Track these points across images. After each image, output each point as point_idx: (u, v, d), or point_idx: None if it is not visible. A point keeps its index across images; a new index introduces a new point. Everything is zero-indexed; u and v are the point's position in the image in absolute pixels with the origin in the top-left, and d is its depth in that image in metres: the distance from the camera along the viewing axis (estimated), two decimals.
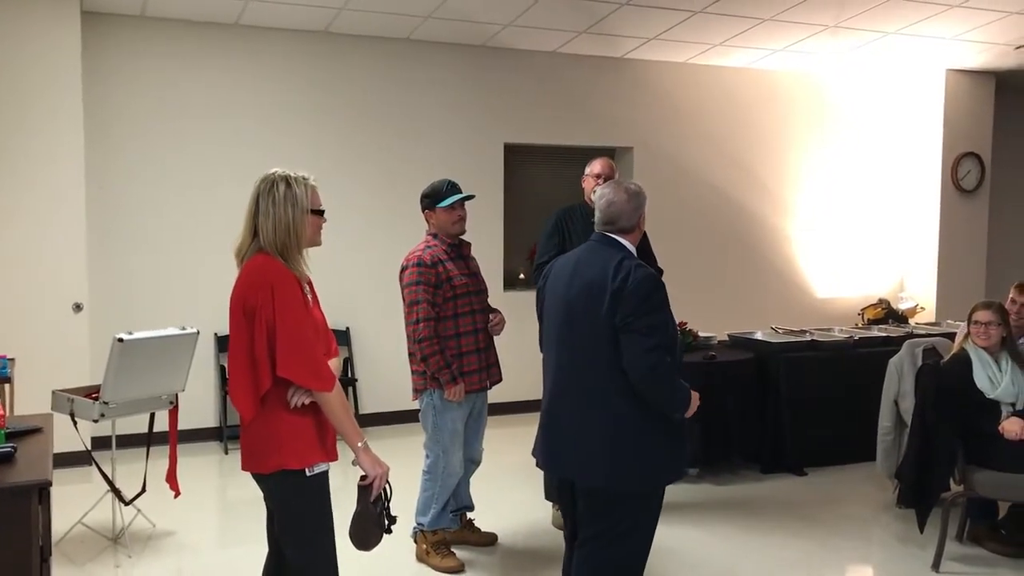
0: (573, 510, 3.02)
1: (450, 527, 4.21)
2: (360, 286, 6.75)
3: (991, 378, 4.15)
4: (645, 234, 4.79)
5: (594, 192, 4.58)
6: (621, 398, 2.78)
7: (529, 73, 7.27)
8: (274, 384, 2.53)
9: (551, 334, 3.02)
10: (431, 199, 4.09)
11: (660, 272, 4.76)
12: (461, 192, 4.10)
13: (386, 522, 2.70)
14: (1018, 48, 7.12)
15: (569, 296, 2.91)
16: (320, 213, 2.68)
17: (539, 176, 7.65)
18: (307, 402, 2.56)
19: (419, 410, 4.14)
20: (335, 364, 2.68)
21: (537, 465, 3.10)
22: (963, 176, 8.14)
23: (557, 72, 7.35)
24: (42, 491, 2.55)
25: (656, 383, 2.75)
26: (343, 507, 2.72)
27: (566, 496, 3.04)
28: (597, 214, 2.99)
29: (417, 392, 4.09)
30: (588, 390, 2.85)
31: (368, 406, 6.79)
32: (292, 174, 2.62)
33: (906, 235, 8.46)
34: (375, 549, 2.74)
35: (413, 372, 4.08)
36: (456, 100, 7.07)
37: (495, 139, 7.21)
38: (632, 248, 2.95)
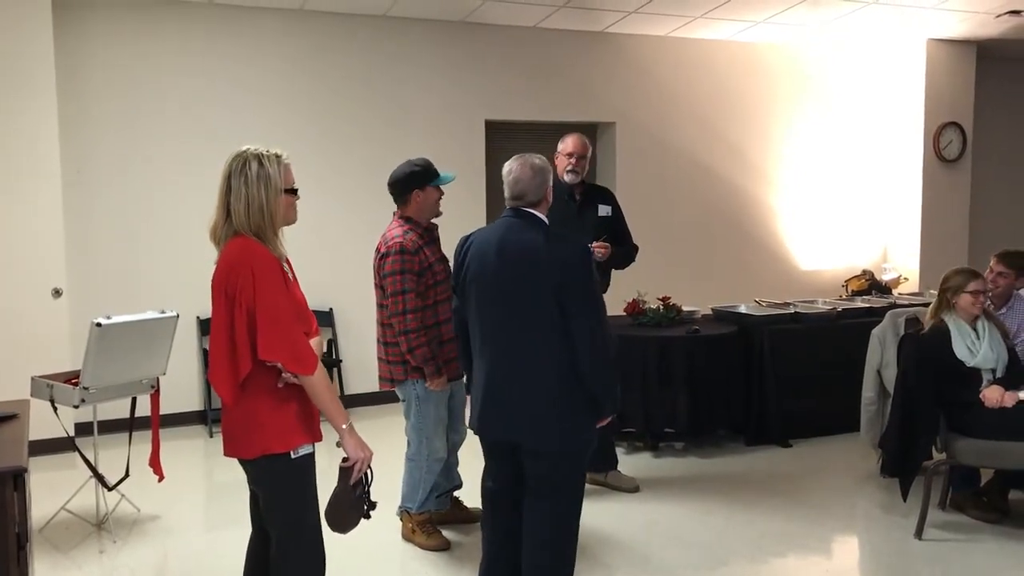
0: (508, 471, 3.19)
1: (440, 509, 4.21)
2: (343, 267, 6.70)
3: (970, 347, 4.17)
4: (619, 209, 4.80)
5: (566, 171, 4.62)
6: (559, 365, 2.96)
7: (509, 49, 7.21)
8: (255, 367, 2.50)
9: (481, 309, 3.14)
10: (424, 177, 3.94)
11: (635, 249, 4.79)
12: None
13: (365, 506, 2.68)
14: (999, 17, 7.09)
15: (499, 272, 3.05)
16: (294, 192, 2.64)
17: (521, 153, 7.57)
18: (293, 380, 2.53)
19: (397, 395, 4.10)
20: (316, 343, 2.65)
21: (476, 432, 3.25)
22: (945, 146, 8.15)
23: (537, 47, 7.29)
24: (17, 478, 2.52)
25: (605, 368, 2.97)
26: (326, 489, 2.70)
27: (503, 459, 3.20)
28: (506, 189, 3.16)
29: (393, 382, 4.02)
30: (528, 360, 3.01)
31: (353, 387, 6.78)
32: (264, 152, 2.57)
33: (889, 206, 8.47)
34: (360, 530, 2.73)
35: (390, 362, 4.01)
36: (435, 78, 7.00)
37: (476, 116, 7.16)
38: (546, 220, 3.14)
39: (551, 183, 3.18)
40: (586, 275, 2.98)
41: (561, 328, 2.94)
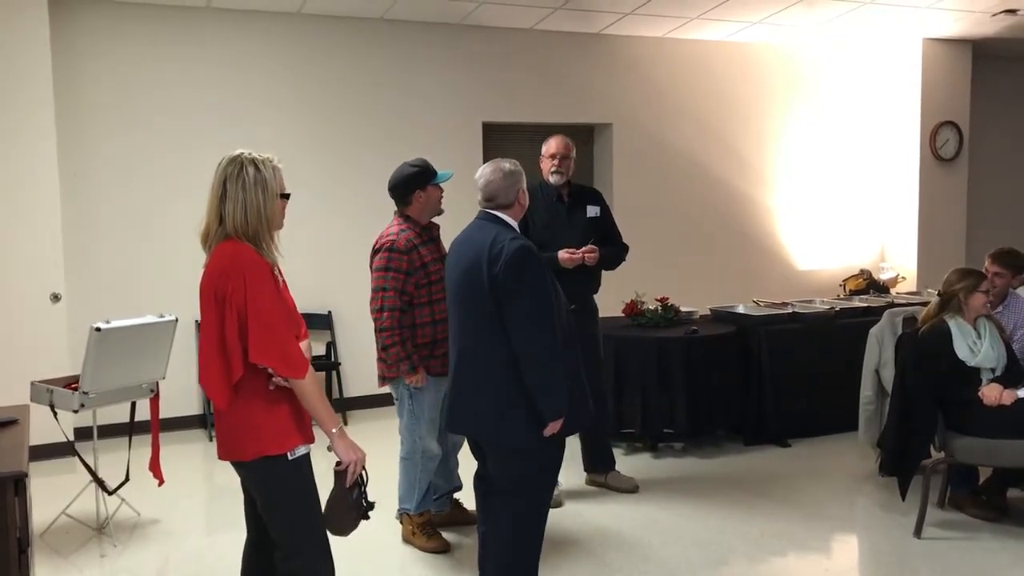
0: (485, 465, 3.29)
1: (441, 511, 4.22)
2: (341, 269, 6.70)
3: (971, 347, 4.17)
4: (608, 210, 4.82)
5: (551, 172, 4.64)
6: (503, 363, 3.00)
7: (506, 51, 7.22)
8: (247, 371, 2.50)
9: (448, 309, 3.31)
10: (424, 177, 3.97)
11: (625, 248, 4.80)
12: None
13: (364, 507, 2.69)
14: (994, 16, 7.11)
15: (458, 272, 3.17)
16: (286, 197, 2.64)
17: (519, 155, 7.39)
18: (283, 384, 2.54)
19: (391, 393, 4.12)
20: (305, 347, 2.66)
21: (446, 428, 3.40)
22: (942, 145, 8.16)
23: (534, 49, 7.31)
24: (18, 483, 2.53)
25: (538, 369, 2.97)
26: (323, 495, 2.70)
27: (479, 454, 3.31)
28: (478, 192, 3.24)
29: (385, 379, 4.05)
30: (481, 358, 3.09)
31: (352, 390, 6.78)
32: (259, 156, 2.58)
33: (886, 205, 8.49)
34: (360, 532, 2.74)
35: (382, 358, 4.03)
36: (433, 80, 7.01)
37: (473, 118, 7.17)
38: (513, 223, 3.21)
39: (523, 187, 3.23)
40: (517, 276, 2.97)
41: (502, 328, 2.99)
